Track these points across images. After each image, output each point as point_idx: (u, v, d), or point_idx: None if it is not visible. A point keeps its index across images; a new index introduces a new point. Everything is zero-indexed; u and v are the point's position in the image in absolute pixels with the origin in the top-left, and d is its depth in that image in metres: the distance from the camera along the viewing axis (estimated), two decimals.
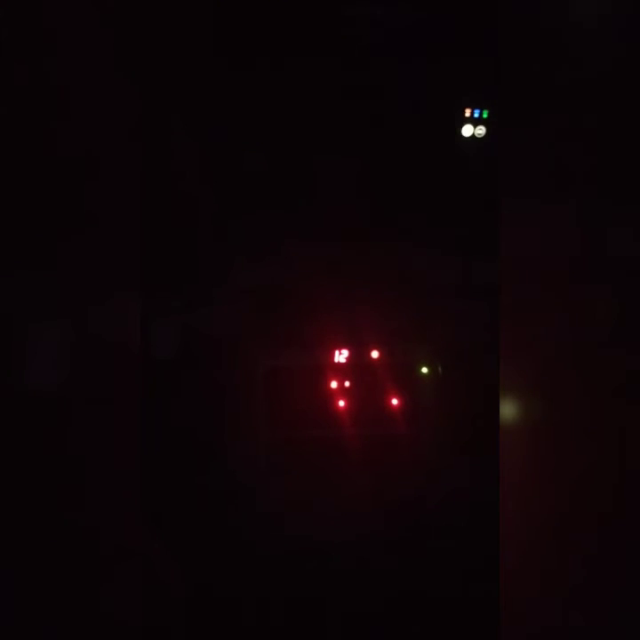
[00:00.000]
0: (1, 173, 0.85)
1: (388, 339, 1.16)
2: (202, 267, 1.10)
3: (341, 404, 1.15)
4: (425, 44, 1.13)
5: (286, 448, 1.13)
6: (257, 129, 1.12)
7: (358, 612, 1.07)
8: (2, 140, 0.86)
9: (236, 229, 1.11)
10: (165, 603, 1.01)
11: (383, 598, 1.07)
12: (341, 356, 1.15)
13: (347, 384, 1.15)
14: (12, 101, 0.86)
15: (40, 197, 0.88)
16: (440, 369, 1.16)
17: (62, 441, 0.89)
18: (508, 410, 0.94)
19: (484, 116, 1.17)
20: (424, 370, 1.17)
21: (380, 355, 1.16)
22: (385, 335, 1.16)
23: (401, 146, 1.15)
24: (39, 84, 0.87)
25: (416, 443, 1.15)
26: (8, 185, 0.86)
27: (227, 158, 1.11)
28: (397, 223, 1.14)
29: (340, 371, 1.15)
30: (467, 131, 1.17)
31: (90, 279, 0.93)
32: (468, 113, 1.17)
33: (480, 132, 1.17)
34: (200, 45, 1.09)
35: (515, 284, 0.91)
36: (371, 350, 1.16)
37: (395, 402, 1.15)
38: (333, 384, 1.15)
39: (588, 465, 0.88)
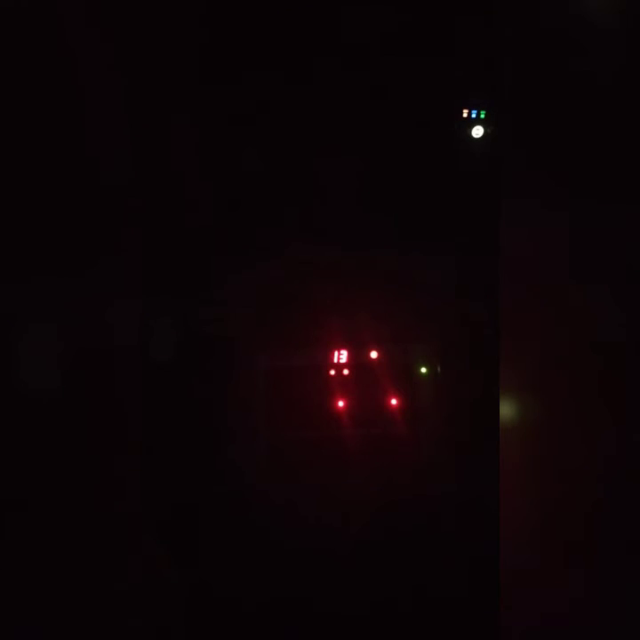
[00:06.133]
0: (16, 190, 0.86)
1: (387, 339, 1.16)
2: (202, 267, 1.10)
3: (341, 404, 1.15)
4: (424, 45, 1.13)
5: (286, 448, 1.12)
6: (257, 129, 1.12)
7: (358, 612, 1.07)
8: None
9: (236, 230, 1.11)
10: (165, 603, 1.01)
11: (383, 598, 1.07)
12: (341, 357, 1.15)
13: (346, 384, 1.15)
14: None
15: (44, 204, 0.88)
16: (439, 369, 1.17)
17: (63, 442, 0.89)
18: (508, 410, 0.94)
19: (482, 116, 1.17)
20: (423, 370, 1.17)
21: (379, 355, 1.16)
22: (384, 335, 1.16)
23: (400, 147, 1.15)
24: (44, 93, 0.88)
25: (415, 443, 1.15)
26: (18, 200, 0.86)
27: (226, 159, 1.11)
28: (397, 224, 1.14)
29: (340, 371, 1.15)
30: (465, 132, 1.17)
31: (91, 280, 0.93)
32: (465, 114, 1.17)
33: (478, 132, 1.17)
34: (199, 46, 1.09)
35: (515, 283, 0.92)
36: (370, 350, 1.16)
37: (394, 402, 1.15)
38: (332, 384, 1.15)
39: (587, 464, 0.88)
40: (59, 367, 0.90)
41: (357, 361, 1.16)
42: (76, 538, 0.89)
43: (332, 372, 1.15)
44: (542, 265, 0.90)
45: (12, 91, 0.87)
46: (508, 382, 0.93)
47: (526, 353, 0.92)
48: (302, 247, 1.12)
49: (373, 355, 1.16)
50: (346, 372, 1.16)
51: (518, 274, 0.91)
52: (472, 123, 1.17)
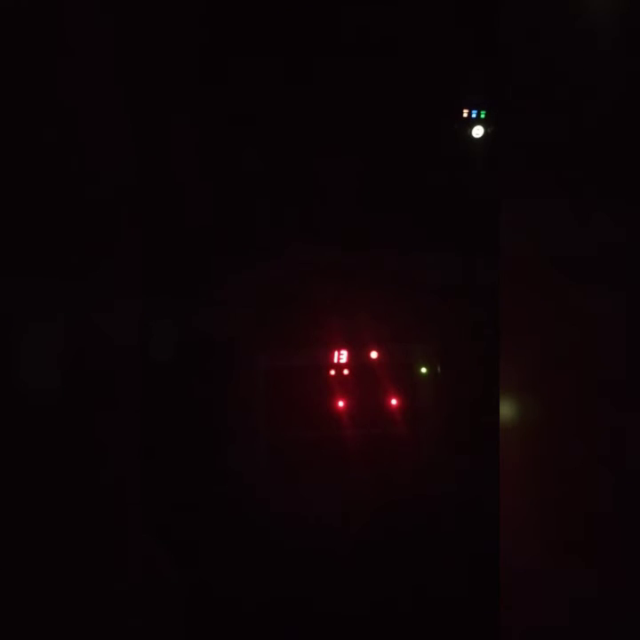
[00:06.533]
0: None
1: (387, 339, 1.16)
2: (202, 267, 1.10)
3: (341, 404, 1.15)
4: (424, 45, 1.13)
5: (286, 448, 1.12)
6: (257, 129, 1.12)
7: (358, 612, 1.07)
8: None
9: (236, 230, 1.11)
10: (165, 603, 1.01)
11: (383, 598, 1.07)
12: (341, 357, 1.15)
13: (346, 384, 1.15)
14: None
15: (44, 204, 0.88)
16: (439, 369, 1.17)
17: (63, 442, 0.89)
18: (508, 410, 0.94)
19: (482, 116, 1.17)
20: (423, 370, 1.17)
21: (380, 355, 1.16)
22: (384, 335, 1.16)
23: (400, 147, 1.15)
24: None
25: (415, 443, 1.15)
26: (18, 200, 0.86)
27: (226, 159, 1.11)
28: (397, 224, 1.14)
29: (340, 371, 1.15)
30: (465, 131, 1.17)
31: (91, 280, 0.93)
32: (465, 114, 1.17)
33: (478, 132, 1.17)
34: (199, 46, 1.09)
35: (515, 283, 0.92)
36: (370, 350, 1.16)
37: (394, 402, 1.15)
38: (332, 384, 1.15)
39: (587, 464, 0.88)
40: (59, 367, 0.90)
41: (357, 361, 1.16)
42: (77, 538, 0.89)
43: (332, 372, 1.15)
44: (542, 265, 0.90)
45: (11, 92, 0.87)
46: (508, 382, 0.93)
47: (526, 353, 0.92)
48: (302, 247, 1.12)
49: (373, 355, 1.16)
50: (346, 372, 1.16)
51: (518, 274, 0.91)
52: (472, 123, 1.17)
